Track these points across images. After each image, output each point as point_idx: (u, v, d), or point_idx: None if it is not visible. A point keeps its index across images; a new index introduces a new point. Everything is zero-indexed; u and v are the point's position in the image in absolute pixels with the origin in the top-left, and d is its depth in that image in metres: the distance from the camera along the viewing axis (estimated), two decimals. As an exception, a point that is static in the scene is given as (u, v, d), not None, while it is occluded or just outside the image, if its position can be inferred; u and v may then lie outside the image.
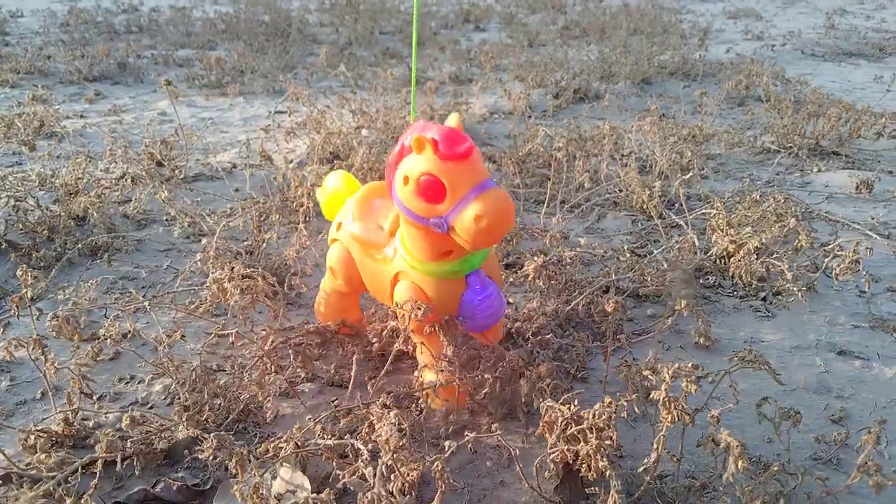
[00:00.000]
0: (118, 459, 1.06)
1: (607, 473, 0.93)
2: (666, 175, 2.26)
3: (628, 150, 2.41)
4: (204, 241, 1.70)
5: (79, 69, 3.94)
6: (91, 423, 1.21)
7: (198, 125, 3.05)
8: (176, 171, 2.33)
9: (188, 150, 2.52)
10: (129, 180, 2.14)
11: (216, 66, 3.94)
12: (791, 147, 2.69)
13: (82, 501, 1.00)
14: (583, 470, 0.98)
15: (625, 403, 0.97)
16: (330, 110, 2.88)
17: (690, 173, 2.13)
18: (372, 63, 4.31)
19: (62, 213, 1.90)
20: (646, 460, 0.97)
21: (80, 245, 1.76)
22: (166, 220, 2.04)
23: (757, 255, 1.62)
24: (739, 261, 1.62)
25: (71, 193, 1.98)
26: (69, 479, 1.06)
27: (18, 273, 1.31)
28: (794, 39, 5.17)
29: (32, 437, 1.14)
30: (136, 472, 1.09)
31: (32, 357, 1.23)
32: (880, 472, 0.95)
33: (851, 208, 2.20)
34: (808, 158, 2.64)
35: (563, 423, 0.98)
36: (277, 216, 1.84)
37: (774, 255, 1.62)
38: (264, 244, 1.75)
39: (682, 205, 1.99)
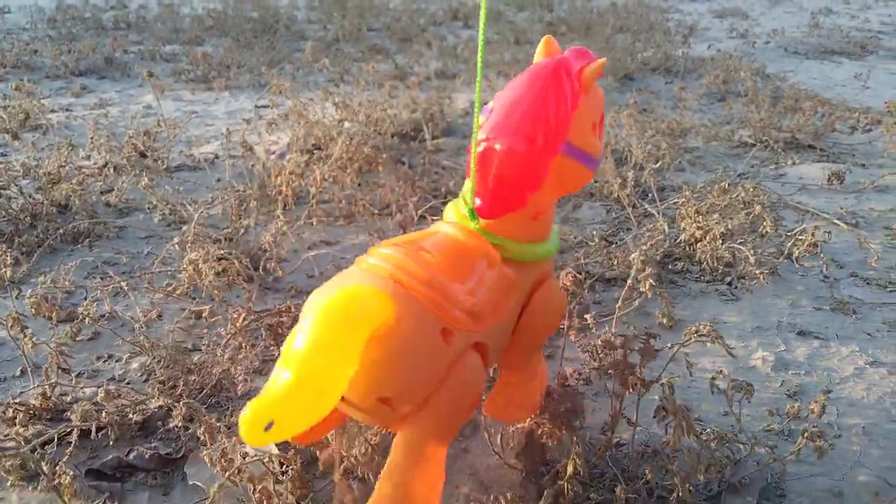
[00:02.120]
0: (93, 429, 1.09)
1: (566, 440, 0.97)
2: (641, 166, 2.30)
3: (605, 141, 2.45)
4: (184, 227, 1.73)
5: (65, 63, 3.96)
6: (68, 398, 1.24)
7: (182, 118, 3.08)
8: (158, 162, 2.36)
9: (171, 142, 2.55)
10: (111, 169, 2.17)
11: (202, 62, 3.96)
12: (767, 141, 2.74)
13: (57, 469, 1.03)
14: (544, 438, 1.02)
15: (583, 373, 1.01)
16: (313, 103, 2.91)
17: (660, 162, 2.17)
18: (358, 59, 4.34)
19: (45, 201, 1.93)
20: (603, 424, 1.01)
21: (61, 231, 1.79)
22: (148, 208, 2.07)
23: (723, 240, 1.67)
24: (706, 246, 1.66)
25: (54, 181, 2.00)
26: (45, 447, 1.09)
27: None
28: (777, 37, 5.22)
29: (11, 409, 1.18)
30: (111, 443, 1.12)
31: (11, 335, 1.26)
32: (822, 438, 1.00)
33: (823, 199, 2.25)
34: (783, 152, 2.69)
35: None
36: (255, 203, 1.87)
37: (739, 241, 1.67)
38: (243, 231, 1.78)
39: (654, 195, 2.03)
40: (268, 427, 0.59)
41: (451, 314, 0.75)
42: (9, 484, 1.08)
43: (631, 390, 1.02)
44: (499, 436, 1.08)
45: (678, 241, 1.79)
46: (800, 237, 1.60)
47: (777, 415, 1.20)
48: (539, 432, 1.02)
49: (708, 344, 1.28)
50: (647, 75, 3.93)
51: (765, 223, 1.68)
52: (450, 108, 3.08)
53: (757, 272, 1.55)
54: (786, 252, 1.71)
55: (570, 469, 0.94)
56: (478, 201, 0.85)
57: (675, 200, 1.99)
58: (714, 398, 1.20)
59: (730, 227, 1.67)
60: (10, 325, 1.23)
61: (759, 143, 2.74)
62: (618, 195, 2.08)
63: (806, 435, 1.00)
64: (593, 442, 1.10)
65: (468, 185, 0.86)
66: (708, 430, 1.11)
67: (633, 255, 1.23)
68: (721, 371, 1.09)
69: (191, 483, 1.05)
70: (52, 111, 3.19)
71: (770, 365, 1.36)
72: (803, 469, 1.10)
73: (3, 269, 1.36)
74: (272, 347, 1.34)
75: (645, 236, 1.80)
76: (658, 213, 1.94)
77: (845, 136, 2.88)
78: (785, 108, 2.90)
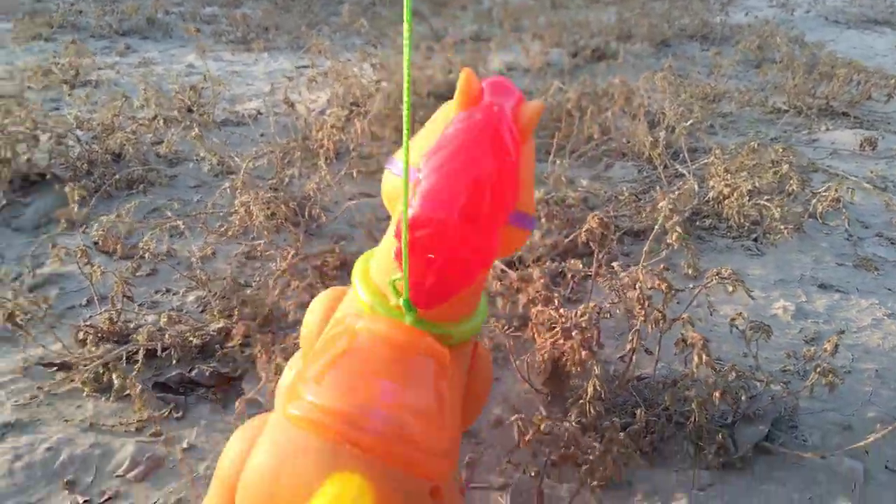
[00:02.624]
0: (158, 348, 1.20)
1: (588, 364, 1.05)
2: (673, 128, 2.34)
3: (638, 103, 2.49)
4: (231, 177, 1.83)
5: (109, 24, 4.07)
6: (132, 325, 1.34)
7: (224, 77, 3.17)
8: (204, 116, 2.46)
9: (215, 98, 2.64)
10: (161, 121, 2.27)
11: (242, 23, 4.05)
12: (801, 107, 2.76)
13: (127, 382, 1.14)
14: (567, 366, 1.11)
15: (607, 306, 1.09)
16: (351, 64, 2.98)
17: (690, 120, 2.21)
18: (395, 21, 4.38)
19: (99, 150, 2.04)
20: (623, 355, 1.09)
21: (117, 177, 1.90)
22: (196, 158, 2.16)
23: (750, 197, 1.72)
24: (733, 202, 1.71)
25: (108, 131, 2.11)
26: (115, 364, 1.20)
27: (66, 190, 1.44)
28: (818, 6, 5.15)
29: (81, 331, 1.29)
30: (174, 362, 1.23)
31: (80, 266, 1.36)
32: (834, 374, 1.06)
33: (853, 164, 2.28)
34: (817, 118, 2.71)
35: (551, 323, 1.10)
36: (299, 154, 1.96)
37: (766, 198, 1.72)
38: (287, 180, 1.87)
39: (685, 155, 2.08)
40: None
41: (434, 468, 0.63)
42: (84, 395, 1.19)
43: (653, 326, 1.10)
44: (525, 364, 1.16)
45: (706, 198, 1.84)
46: (824, 194, 1.65)
47: (794, 357, 1.27)
48: (563, 360, 1.10)
49: (730, 289, 1.34)
50: (683, 42, 3.93)
51: (791, 182, 1.72)
52: (484, 70, 3.12)
53: (782, 227, 1.60)
54: (811, 209, 1.76)
55: (590, 390, 1.02)
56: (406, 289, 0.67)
57: (706, 161, 2.04)
58: (734, 341, 1.28)
59: (757, 185, 1.72)
60: (78, 256, 1.33)
61: (792, 110, 2.76)
62: (649, 155, 2.13)
63: (818, 370, 1.07)
64: (616, 374, 1.18)
65: (383, 255, 0.72)
66: (726, 366, 1.19)
67: (661, 204, 1.29)
68: (741, 313, 1.15)
69: (248, 396, 1.15)
70: (99, 68, 3.30)
71: (790, 314, 1.42)
72: (816, 405, 1.17)
73: (72, 205, 1.47)
74: (318, 284, 1.44)
75: (675, 193, 1.86)
76: (688, 173, 1.99)
77: (881, 104, 2.88)
78: (820, 74, 2.90)
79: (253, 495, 0.61)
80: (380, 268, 0.72)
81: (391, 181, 0.73)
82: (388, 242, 0.71)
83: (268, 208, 1.54)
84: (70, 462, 1.06)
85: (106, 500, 1.00)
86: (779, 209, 1.64)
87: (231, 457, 0.67)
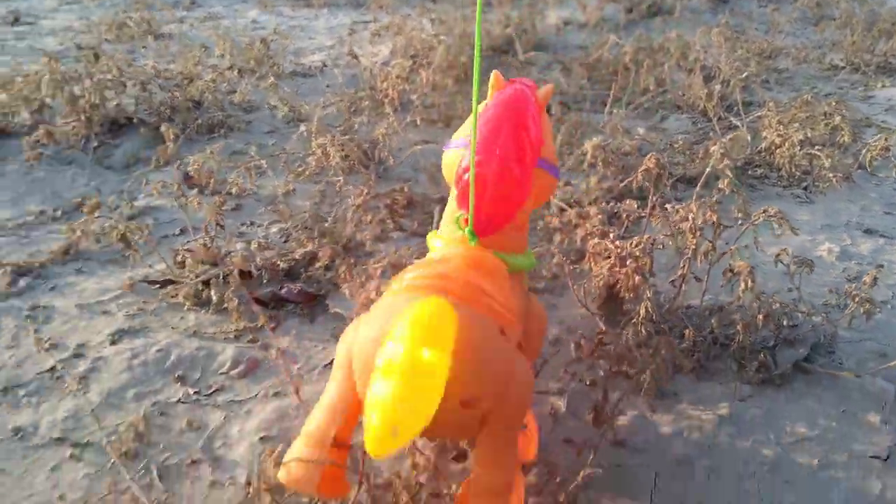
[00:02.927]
0: (252, 269, 1.34)
1: (641, 289, 1.15)
2: (728, 82, 2.39)
3: (693, 58, 2.54)
4: (302, 124, 1.96)
5: (176, -21, 4.21)
6: (223, 251, 1.49)
7: (287, 32, 3.29)
8: (275, 68, 2.58)
9: (283, 51, 2.76)
10: (236, 71, 2.41)
11: (303, -21, 4.14)
12: (858, 64, 2.76)
13: (225, 296, 1.29)
14: (621, 292, 1.21)
15: (660, 237, 1.18)
16: (411, 19, 3.07)
17: (745, 73, 2.26)
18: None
19: (181, 97, 2.18)
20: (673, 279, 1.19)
21: (199, 122, 2.04)
22: (268, 107, 2.30)
23: (801, 146, 1.78)
24: (784, 152, 1.78)
25: (188, 79, 2.25)
26: (214, 281, 1.34)
27: (162, 129, 1.58)
28: (883, -37, 5.02)
29: (180, 255, 1.44)
30: (264, 282, 1.37)
31: (176, 197, 1.51)
32: (871, 303, 1.15)
33: (909, 120, 2.30)
34: (874, 75, 2.71)
35: (607, 253, 1.21)
36: (368, 103, 2.07)
37: (817, 147, 1.77)
38: (356, 127, 1.99)
39: (739, 108, 2.13)
40: (394, 433, 0.64)
41: (503, 315, 0.80)
42: (185, 308, 1.34)
43: (703, 258, 1.19)
44: (582, 290, 1.27)
45: (759, 149, 1.91)
46: (874, 143, 1.70)
47: (835, 293, 1.35)
48: (618, 287, 1.21)
49: (776, 227, 1.42)
50: (740, -2, 3.90)
51: (843, 134, 1.77)
52: (541, 24, 3.18)
53: (831, 176, 1.66)
54: (861, 160, 1.81)
55: (642, 312, 1.12)
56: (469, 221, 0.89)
57: (759, 114, 2.09)
58: (779, 278, 1.36)
59: (809, 135, 1.78)
60: (175, 188, 1.47)
61: (849, 66, 2.76)
62: (704, 107, 2.19)
63: (857, 300, 1.15)
64: (666, 301, 1.28)
65: (451, 213, 0.94)
66: (771, 297, 1.28)
67: (713, 149, 1.37)
68: (786, 249, 1.23)
69: (332, 312, 1.29)
70: (169, 22, 3.45)
71: (835, 255, 1.50)
72: (854, 335, 1.25)
73: (168, 143, 1.61)
74: (388, 220, 1.56)
75: (727, 140, 1.93)
76: (742, 125, 2.05)
77: (942, 61, 2.86)
78: (879, 31, 2.89)
79: (364, 357, 0.75)
80: (445, 225, 0.96)
81: (447, 158, 0.97)
82: (448, 208, 0.96)
83: (342, 150, 1.67)
84: (179, 361, 1.21)
85: (213, 392, 1.15)
86: (829, 159, 1.70)
87: (344, 344, 0.82)
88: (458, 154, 0.94)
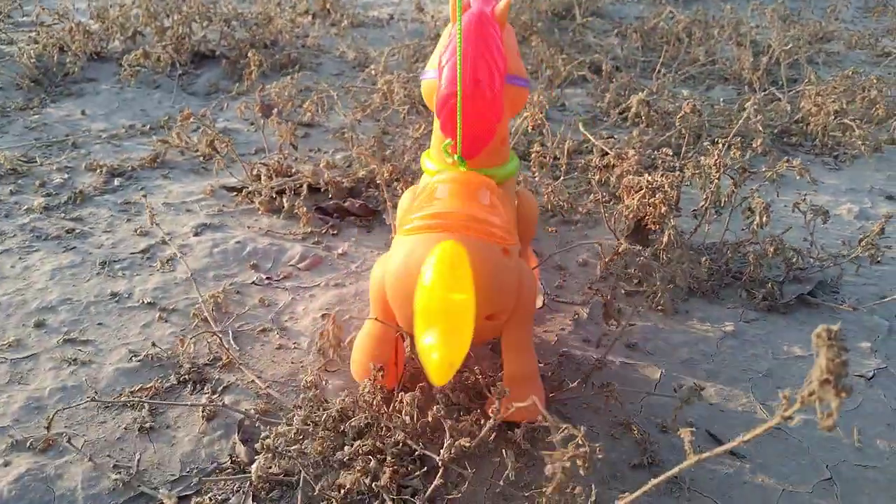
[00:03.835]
0: (321, 181, 1.51)
1: (666, 219, 1.29)
2: (777, 60, 2.47)
3: (745, 31, 2.62)
4: (366, 68, 2.12)
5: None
6: (293, 169, 1.66)
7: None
8: (343, 16, 2.75)
9: (353, 2, 2.92)
10: (311, 16, 2.57)
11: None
12: (911, 50, 2.80)
13: (296, 205, 1.46)
14: (649, 223, 1.35)
15: (688, 175, 1.31)
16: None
17: (791, 45, 2.34)
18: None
19: (259, 35, 2.36)
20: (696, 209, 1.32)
21: (276, 57, 2.21)
22: (337, 52, 2.46)
23: (836, 117, 1.87)
24: (819, 120, 1.87)
25: (266, 19, 2.42)
26: (283, 194, 1.52)
27: (249, 54, 1.76)
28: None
29: (255, 168, 1.61)
30: (329, 196, 1.54)
31: (256, 118, 1.68)
32: (875, 248, 1.27)
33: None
34: (926, 63, 2.76)
35: (639, 186, 1.34)
36: (430, 52, 2.22)
37: (851, 118, 1.87)
38: (418, 72, 2.14)
39: (784, 83, 2.23)
40: (450, 366, 0.78)
41: (500, 236, 0.91)
42: (259, 213, 1.52)
43: (726, 199, 1.32)
44: (613, 220, 1.41)
45: (796, 119, 2.00)
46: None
47: (847, 245, 1.46)
48: (646, 219, 1.34)
49: (798, 183, 1.53)
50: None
51: (878, 107, 1.86)
52: (601, -5, 3.28)
53: (860, 143, 1.76)
54: (892, 134, 1.90)
55: (665, 239, 1.26)
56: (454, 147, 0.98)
57: (800, 89, 2.18)
58: (797, 231, 1.47)
59: (845, 106, 1.87)
60: (256, 109, 1.65)
61: (901, 53, 2.81)
62: (749, 79, 2.28)
63: (863, 244, 1.27)
64: (688, 232, 1.41)
65: (438, 138, 1.01)
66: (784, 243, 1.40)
67: (748, 104, 1.49)
68: (804, 198, 1.35)
69: (388, 224, 1.45)
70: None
71: (854, 214, 1.61)
72: (859, 280, 1.37)
73: (252, 68, 1.79)
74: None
75: (763, 103, 2.03)
76: (783, 97, 2.14)
77: None
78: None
79: (395, 286, 0.91)
80: (434, 149, 1.04)
81: (424, 87, 1.03)
82: (436, 132, 1.03)
83: (405, 88, 1.82)
84: (254, 253, 1.39)
85: (282, 279, 1.33)
86: (861, 130, 1.80)
87: (375, 276, 0.99)
88: (432, 83, 0.98)
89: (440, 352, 0.79)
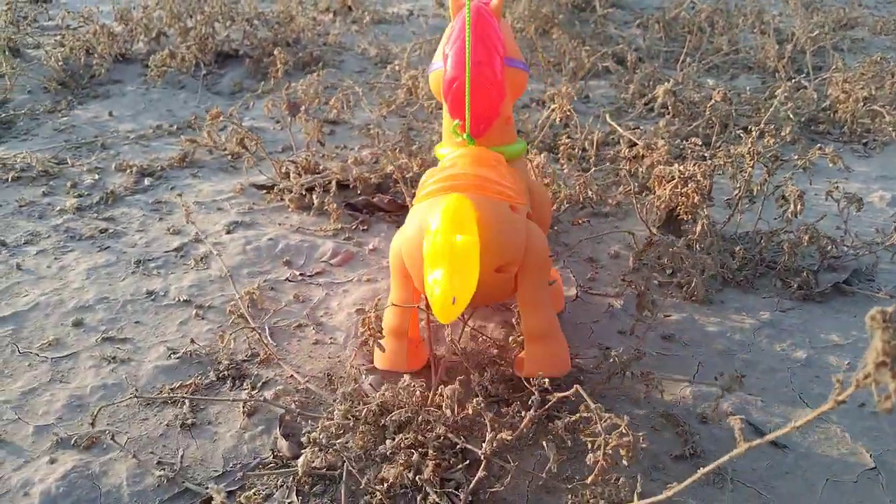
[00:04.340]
0: (351, 177, 1.51)
1: (699, 209, 1.28)
2: (802, 49, 2.45)
3: (768, 20, 2.59)
4: (388, 65, 2.12)
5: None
6: (321, 167, 1.67)
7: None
8: (364, 13, 2.75)
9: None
10: (332, 14, 2.58)
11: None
12: (938, 36, 2.76)
13: (325, 202, 1.46)
14: (681, 213, 1.34)
15: (720, 164, 1.31)
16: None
17: (817, 32, 2.31)
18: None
19: (281, 34, 2.37)
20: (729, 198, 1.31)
21: (299, 55, 2.22)
22: (359, 49, 2.46)
23: (864, 103, 1.85)
24: (847, 107, 1.85)
25: (287, 19, 2.43)
26: (313, 191, 1.52)
27: (275, 53, 1.76)
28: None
29: (284, 166, 1.62)
30: (358, 193, 1.54)
31: (283, 115, 1.69)
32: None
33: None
34: (953, 48, 2.72)
35: (671, 175, 1.33)
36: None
37: (880, 104, 1.85)
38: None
39: (809, 71, 2.20)
40: (453, 302, 0.82)
41: (508, 195, 0.97)
42: (290, 210, 1.53)
43: (759, 187, 1.31)
44: (645, 210, 1.40)
45: (823, 106, 1.98)
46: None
47: (881, 233, 1.45)
48: (678, 209, 1.34)
49: (831, 171, 1.52)
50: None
51: (909, 93, 1.84)
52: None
53: (891, 130, 1.74)
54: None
55: (698, 229, 1.25)
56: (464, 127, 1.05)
57: (826, 76, 2.15)
58: (831, 220, 1.46)
59: (873, 93, 1.85)
60: (283, 107, 1.66)
61: (928, 37, 2.77)
62: (774, 67, 2.26)
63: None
64: (722, 223, 1.40)
65: (447, 125, 1.07)
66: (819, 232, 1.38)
67: (777, 92, 1.47)
68: (837, 186, 1.33)
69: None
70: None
71: (886, 202, 1.59)
72: (894, 267, 1.35)
73: (278, 66, 1.80)
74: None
75: (794, 94, 2.01)
76: (809, 86, 2.12)
77: None
78: (964, 4, 2.87)
79: (409, 248, 0.96)
80: (446, 135, 1.09)
81: (432, 78, 1.11)
82: (445, 118, 1.08)
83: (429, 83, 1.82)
84: (286, 250, 1.40)
85: (315, 274, 1.33)
86: (891, 116, 1.78)
87: (394, 246, 1.02)
88: (439, 73, 1.07)
89: (442, 287, 0.83)
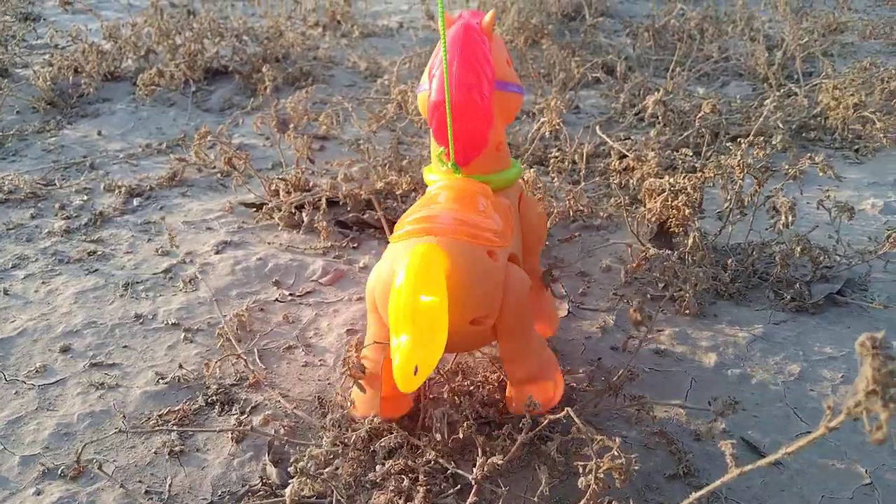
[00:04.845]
0: (340, 195, 1.51)
1: (690, 221, 1.27)
2: (792, 55, 2.45)
3: (757, 27, 2.60)
4: (378, 80, 2.11)
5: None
6: (311, 183, 1.66)
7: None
8: (353, 27, 2.75)
9: (362, 13, 2.93)
10: (321, 28, 2.58)
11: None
12: (927, 39, 2.77)
13: (315, 220, 1.45)
14: (672, 226, 1.33)
15: (710, 175, 1.30)
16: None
17: (806, 39, 2.31)
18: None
19: (270, 50, 2.37)
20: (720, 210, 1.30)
21: (289, 70, 2.22)
22: (349, 63, 2.46)
23: (855, 109, 1.85)
24: (838, 114, 1.85)
25: (276, 34, 2.43)
26: (302, 209, 1.51)
27: (263, 69, 1.76)
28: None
29: (274, 184, 1.61)
30: (348, 209, 1.53)
31: (271, 132, 1.68)
32: (898, 239, 1.24)
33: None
34: (942, 51, 2.72)
35: (661, 188, 1.33)
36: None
37: (871, 111, 1.84)
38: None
39: (799, 77, 2.20)
40: (415, 372, 0.76)
41: (487, 237, 0.88)
42: (279, 228, 1.52)
43: (750, 199, 1.30)
44: (636, 223, 1.40)
45: (814, 113, 1.98)
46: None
47: (874, 241, 1.44)
48: (669, 221, 1.33)
49: (822, 180, 1.51)
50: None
51: (898, 99, 1.84)
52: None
53: (882, 136, 1.74)
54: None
55: (689, 242, 1.24)
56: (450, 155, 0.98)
57: (817, 82, 2.15)
58: (823, 229, 1.45)
59: (864, 99, 1.85)
60: (272, 124, 1.65)
61: (918, 41, 2.78)
62: (764, 74, 2.26)
63: (890, 239, 1.25)
64: (714, 235, 1.39)
65: (434, 150, 1.01)
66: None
67: (767, 101, 1.47)
68: (829, 194, 1.33)
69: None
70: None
71: (878, 209, 1.58)
72: (888, 276, 1.35)
73: (266, 83, 1.79)
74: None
75: (784, 102, 2.01)
76: (800, 92, 2.12)
77: None
78: (953, 7, 2.88)
79: (381, 291, 0.88)
80: (433, 161, 1.03)
81: (419, 101, 1.02)
82: (433, 142, 1.01)
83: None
84: (276, 269, 1.39)
85: (305, 294, 1.32)
86: (882, 122, 1.77)
87: (368, 284, 0.94)
88: (425, 95, 0.98)
89: (402, 356, 0.76)
